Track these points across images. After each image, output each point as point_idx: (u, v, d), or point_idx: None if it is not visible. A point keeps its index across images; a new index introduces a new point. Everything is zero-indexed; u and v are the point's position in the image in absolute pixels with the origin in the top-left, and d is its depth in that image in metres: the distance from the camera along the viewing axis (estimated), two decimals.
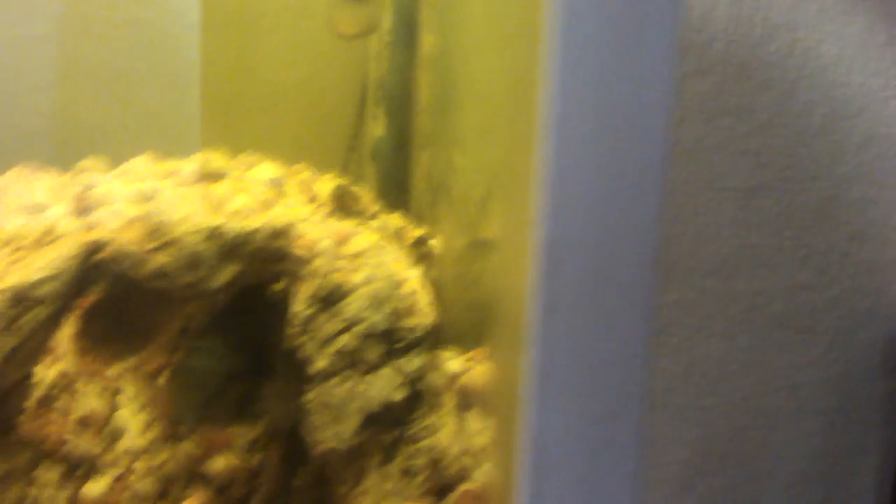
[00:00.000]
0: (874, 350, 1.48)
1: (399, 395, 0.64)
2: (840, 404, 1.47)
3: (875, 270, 1.43)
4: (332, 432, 0.63)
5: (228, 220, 0.62)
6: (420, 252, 0.86)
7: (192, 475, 0.85)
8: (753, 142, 1.30)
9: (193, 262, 0.60)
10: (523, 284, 0.54)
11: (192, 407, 0.92)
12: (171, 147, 1.02)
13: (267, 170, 0.80)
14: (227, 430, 0.89)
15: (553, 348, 0.52)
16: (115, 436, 0.85)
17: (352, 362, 0.63)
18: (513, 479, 0.55)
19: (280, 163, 0.87)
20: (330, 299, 0.63)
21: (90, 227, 0.64)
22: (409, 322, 0.65)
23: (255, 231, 0.62)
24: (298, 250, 0.64)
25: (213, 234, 0.61)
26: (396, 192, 1.09)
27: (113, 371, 0.82)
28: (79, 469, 0.72)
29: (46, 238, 0.63)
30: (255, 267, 0.63)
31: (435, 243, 0.88)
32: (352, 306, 0.63)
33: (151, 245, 0.60)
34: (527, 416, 0.52)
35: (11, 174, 0.74)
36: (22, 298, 0.58)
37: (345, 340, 0.63)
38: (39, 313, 0.59)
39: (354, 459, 0.64)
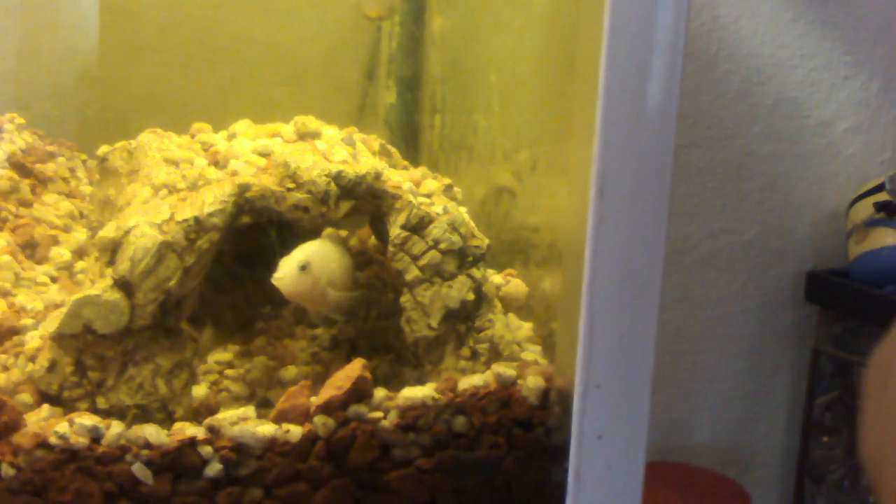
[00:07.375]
0: (785, 283, 1.70)
1: (470, 297, 0.86)
2: (757, 331, 1.70)
3: (784, 215, 1.67)
4: (423, 324, 0.84)
5: (342, 167, 0.82)
6: (448, 196, 1.06)
7: (272, 381, 1.04)
8: (682, 105, 1.53)
9: (324, 198, 0.80)
10: (579, 207, 0.76)
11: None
12: (222, 113, 1.21)
13: (334, 130, 1.00)
14: (289, 346, 1.09)
15: (603, 247, 0.74)
16: (206, 349, 1.04)
17: (436, 272, 0.84)
18: (572, 345, 0.77)
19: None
20: (419, 225, 0.84)
21: (233, 174, 0.83)
22: (475, 242, 0.87)
23: (366, 174, 0.82)
24: (392, 189, 0.85)
25: (338, 177, 0.81)
26: (407, 149, 1.29)
27: None
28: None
29: (200, 182, 0.82)
30: (362, 202, 0.83)
31: (458, 190, 1.09)
32: (435, 230, 0.84)
33: (290, 185, 0.80)
34: (585, 297, 0.75)
35: (145, 135, 0.91)
36: (200, 226, 0.77)
37: (431, 255, 0.84)
38: (212, 237, 0.77)
39: (437, 345, 0.86)
